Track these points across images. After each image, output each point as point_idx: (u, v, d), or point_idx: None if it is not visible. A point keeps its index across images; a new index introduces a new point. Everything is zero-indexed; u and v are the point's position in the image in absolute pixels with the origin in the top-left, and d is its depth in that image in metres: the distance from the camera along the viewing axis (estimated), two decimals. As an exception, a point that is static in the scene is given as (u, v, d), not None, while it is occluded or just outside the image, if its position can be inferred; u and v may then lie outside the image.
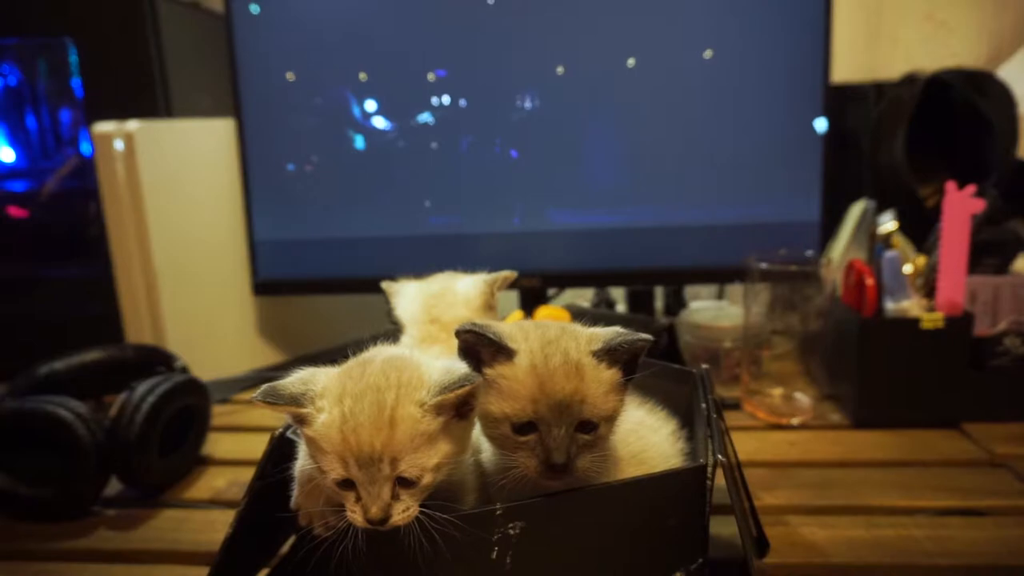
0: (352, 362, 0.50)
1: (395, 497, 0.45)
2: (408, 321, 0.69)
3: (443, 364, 0.49)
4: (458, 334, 0.50)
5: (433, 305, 0.69)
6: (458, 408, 0.48)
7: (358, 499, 0.46)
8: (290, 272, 1.18)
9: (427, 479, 0.46)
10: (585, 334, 0.52)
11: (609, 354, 0.50)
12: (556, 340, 0.50)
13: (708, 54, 1.04)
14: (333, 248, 1.16)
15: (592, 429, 0.49)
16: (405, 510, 0.45)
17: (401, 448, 0.45)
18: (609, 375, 0.50)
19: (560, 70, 1.07)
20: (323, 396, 0.47)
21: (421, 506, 0.46)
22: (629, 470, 0.54)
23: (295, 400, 0.47)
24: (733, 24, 1.03)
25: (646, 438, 0.59)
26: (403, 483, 0.46)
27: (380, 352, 0.51)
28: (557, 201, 1.11)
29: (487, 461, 0.54)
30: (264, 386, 0.47)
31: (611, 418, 0.51)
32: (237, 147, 1.15)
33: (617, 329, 0.52)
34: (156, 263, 1.07)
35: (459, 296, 0.70)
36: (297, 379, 0.48)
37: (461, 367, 0.49)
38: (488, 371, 0.50)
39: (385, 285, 0.73)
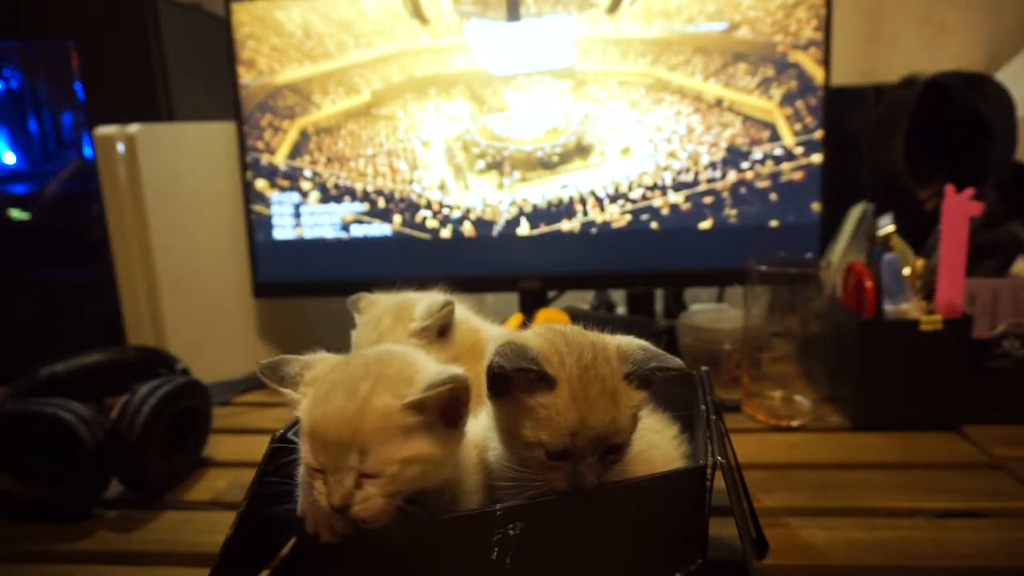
0: (354, 353, 0.52)
1: (358, 486, 0.45)
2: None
3: (440, 367, 0.49)
4: (495, 366, 0.48)
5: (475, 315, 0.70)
6: (445, 413, 0.47)
7: (326, 482, 0.46)
8: (291, 274, 1.18)
9: (393, 470, 0.45)
10: (614, 351, 0.50)
11: (641, 378, 0.49)
12: (593, 365, 0.48)
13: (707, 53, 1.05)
14: (333, 250, 1.16)
15: (618, 450, 0.49)
16: (365, 499, 0.45)
17: (369, 439, 0.45)
18: (638, 398, 0.50)
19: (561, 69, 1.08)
20: (313, 382, 0.48)
21: (410, 504, 0.46)
22: (634, 468, 0.54)
23: (282, 380, 0.48)
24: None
25: (647, 437, 0.59)
26: (367, 474, 0.45)
27: (385, 347, 0.52)
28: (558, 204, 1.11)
29: (494, 460, 0.53)
30: (270, 360, 0.49)
31: (632, 433, 0.51)
32: (238, 150, 1.15)
33: (641, 344, 0.51)
34: (157, 265, 1.07)
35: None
36: (302, 360, 0.50)
37: (454, 370, 0.47)
38: (526, 399, 0.48)
39: (441, 301, 0.65)
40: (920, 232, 0.98)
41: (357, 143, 1.09)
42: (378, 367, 0.47)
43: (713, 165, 1.03)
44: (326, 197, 1.10)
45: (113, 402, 0.79)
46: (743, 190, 1.03)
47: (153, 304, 1.08)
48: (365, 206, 1.09)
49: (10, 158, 1.25)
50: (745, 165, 1.02)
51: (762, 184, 1.02)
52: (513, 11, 1.04)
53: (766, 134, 1.02)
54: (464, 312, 0.70)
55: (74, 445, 0.73)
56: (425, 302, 0.66)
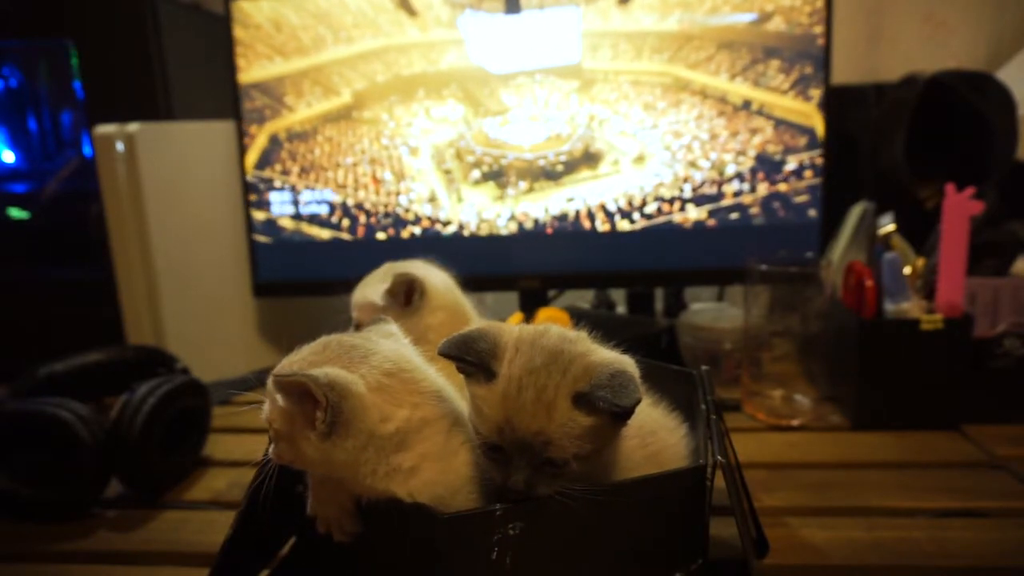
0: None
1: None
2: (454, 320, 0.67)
3: (333, 371, 0.47)
4: (439, 350, 0.50)
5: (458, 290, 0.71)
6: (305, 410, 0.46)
7: None
8: (290, 274, 1.18)
9: (271, 433, 0.48)
10: (580, 366, 0.48)
11: (588, 404, 0.47)
12: (538, 371, 0.47)
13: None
14: (334, 249, 1.16)
15: (560, 465, 0.48)
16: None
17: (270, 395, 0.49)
18: (587, 421, 0.47)
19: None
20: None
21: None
22: (647, 469, 0.54)
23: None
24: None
25: (662, 436, 0.59)
26: None
27: (361, 335, 0.56)
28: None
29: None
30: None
31: (587, 457, 0.48)
32: (237, 149, 1.15)
33: (615, 371, 0.48)
34: (157, 265, 1.07)
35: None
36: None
37: (332, 372, 0.46)
38: (473, 386, 0.49)
39: (407, 274, 0.68)
40: (921, 231, 0.98)
41: (336, 151, 0.99)
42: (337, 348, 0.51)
43: (740, 176, 0.92)
44: (299, 212, 1.02)
45: (113, 402, 0.79)
46: (776, 204, 0.91)
47: (153, 303, 1.08)
48: (345, 221, 0.99)
49: (10, 157, 1.25)
50: (778, 176, 0.91)
51: (800, 199, 0.89)
52: (512, 2, 0.96)
53: (803, 140, 0.91)
54: (451, 294, 0.72)
55: (74, 444, 0.73)
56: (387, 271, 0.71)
